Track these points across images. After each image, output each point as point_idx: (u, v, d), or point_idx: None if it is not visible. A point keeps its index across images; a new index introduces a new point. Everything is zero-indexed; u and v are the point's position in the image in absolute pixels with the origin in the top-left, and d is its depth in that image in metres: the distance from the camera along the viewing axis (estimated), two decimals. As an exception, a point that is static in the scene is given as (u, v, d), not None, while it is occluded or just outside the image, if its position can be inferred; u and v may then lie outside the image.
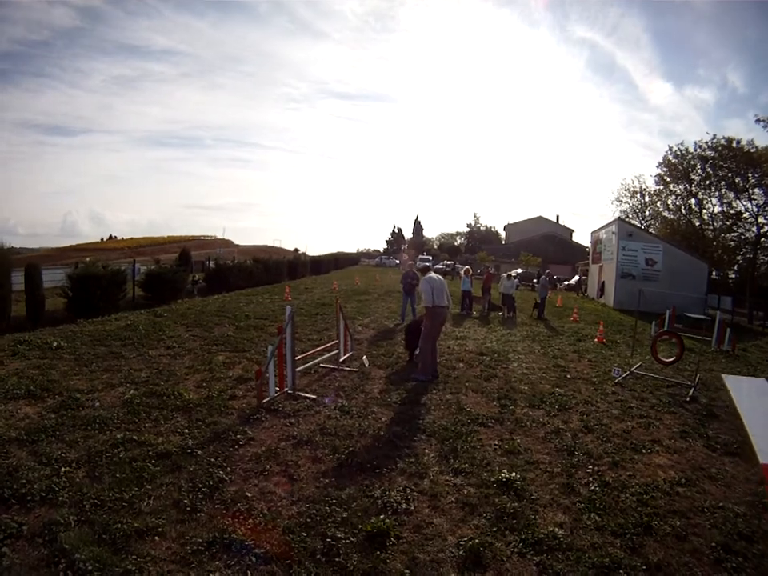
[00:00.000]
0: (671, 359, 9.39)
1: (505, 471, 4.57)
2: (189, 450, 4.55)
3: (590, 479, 4.61)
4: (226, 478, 4.14)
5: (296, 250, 75.09)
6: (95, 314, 11.65)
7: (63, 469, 4.09)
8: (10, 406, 5.47)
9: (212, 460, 4.42)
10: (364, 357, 8.39)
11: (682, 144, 44.61)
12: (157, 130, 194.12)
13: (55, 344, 8.32)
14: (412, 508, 3.90)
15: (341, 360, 8.11)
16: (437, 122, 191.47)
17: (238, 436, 4.97)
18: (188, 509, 3.66)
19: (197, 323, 11.26)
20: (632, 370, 9.11)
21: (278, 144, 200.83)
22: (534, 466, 4.83)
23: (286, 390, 6.41)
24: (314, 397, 6.35)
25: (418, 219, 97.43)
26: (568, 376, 8.60)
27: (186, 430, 5.03)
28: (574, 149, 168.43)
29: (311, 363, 7.60)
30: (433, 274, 7.90)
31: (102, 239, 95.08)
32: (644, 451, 5.39)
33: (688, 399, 7.65)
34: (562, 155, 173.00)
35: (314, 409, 5.97)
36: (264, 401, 5.93)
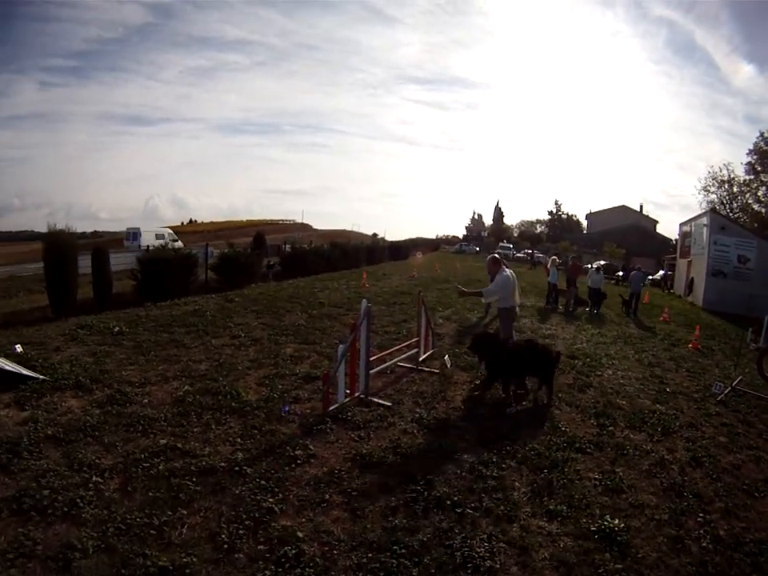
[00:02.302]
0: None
1: (607, 517, 3.66)
2: (237, 467, 3.83)
3: (701, 531, 3.71)
4: (276, 509, 3.37)
5: (374, 235, 74.42)
6: (164, 297, 11.37)
7: (95, 478, 3.57)
8: (55, 397, 5.04)
9: (262, 482, 3.66)
10: (446, 356, 7.40)
11: (774, 129, 40.09)
12: (235, 117, 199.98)
13: (117, 329, 7.94)
14: (497, 566, 3.03)
15: (420, 359, 7.10)
16: (517, 107, 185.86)
17: (297, 451, 4.17)
18: (225, 546, 3.00)
19: (268, 310, 10.63)
20: (733, 385, 7.68)
21: (356, 129, 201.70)
22: (639, 510, 3.89)
23: (357, 394, 5.52)
24: (389, 404, 5.45)
25: (499, 205, 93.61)
26: (668, 389, 7.34)
27: (239, 440, 4.31)
28: (654, 135, 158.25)
29: (388, 364, 6.71)
30: (507, 270, 6.80)
31: (182, 223, 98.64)
32: (757, 494, 4.37)
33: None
34: (643, 142, 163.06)
35: (388, 419, 5.08)
36: (331, 408, 5.08)
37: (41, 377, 5.71)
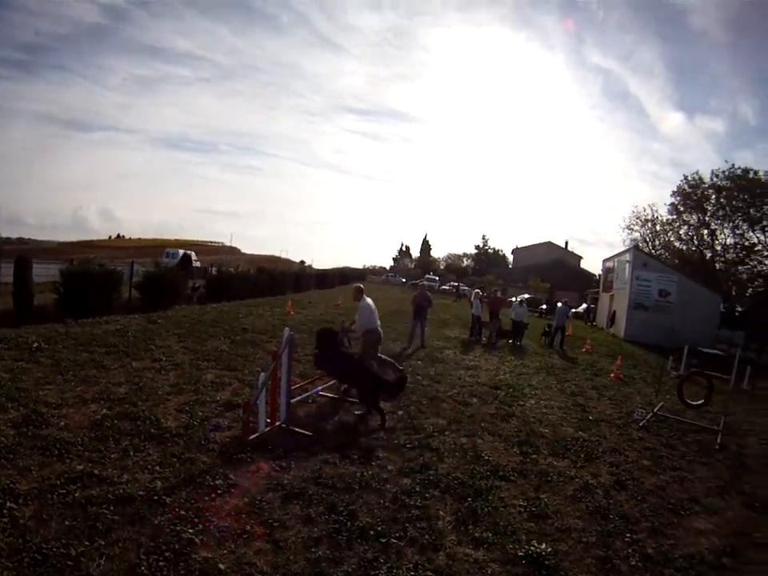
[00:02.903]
0: (699, 402, 8.75)
1: (534, 542, 3.88)
2: (156, 496, 3.83)
3: (630, 550, 4.00)
4: (197, 540, 3.39)
5: (302, 262, 74.98)
6: (86, 314, 11.03)
7: (9, 504, 3.48)
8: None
9: (182, 512, 3.68)
10: None
11: (697, 173, 43.80)
12: (174, 132, 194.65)
13: (35, 345, 7.71)
14: (426, 596, 3.17)
15: (342, 389, 7.27)
16: (451, 141, 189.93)
17: (218, 481, 4.22)
18: (145, 579, 2.96)
19: (190, 333, 10.53)
20: (655, 411, 8.44)
21: (292, 154, 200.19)
22: (565, 534, 4.15)
23: (278, 423, 5.64)
24: (310, 434, 5.56)
25: (427, 238, 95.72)
26: (590, 417, 7.93)
27: (157, 467, 4.30)
28: (585, 176, 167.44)
29: (309, 393, 6.90)
30: (367, 299, 8.03)
31: (109, 237, 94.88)
32: (683, 513, 4.84)
33: (717, 447, 7.13)
34: (573, 182, 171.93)
35: (310, 449, 5.20)
36: (252, 437, 5.17)
37: None
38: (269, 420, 5.50)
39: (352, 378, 6.65)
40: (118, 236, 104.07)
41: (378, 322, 8.13)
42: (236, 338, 10.66)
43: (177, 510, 3.72)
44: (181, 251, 38.26)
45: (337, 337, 7.07)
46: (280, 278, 25.57)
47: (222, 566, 3.18)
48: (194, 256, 36.43)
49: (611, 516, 4.55)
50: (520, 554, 3.72)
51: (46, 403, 5.43)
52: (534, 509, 4.49)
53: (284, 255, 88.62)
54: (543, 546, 3.83)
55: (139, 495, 3.81)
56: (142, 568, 3.06)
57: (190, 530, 3.49)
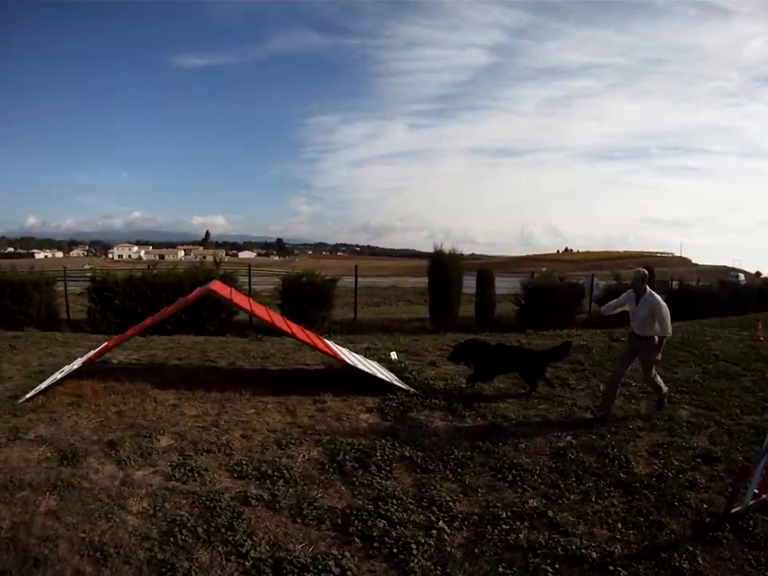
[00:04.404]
0: None
1: None
2: (611, 565, 3.02)
3: None
4: None
5: (757, 274, 64.36)
6: (546, 327, 11.22)
7: (440, 523, 3.36)
8: (422, 415, 5.26)
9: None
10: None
11: None
12: (598, 143, 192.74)
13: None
14: None
15: None
16: None
17: (684, 563, 3.07)
18: None
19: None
20: None
21: (725, 147, 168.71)
22: None
23: (765, 497, 3.89)
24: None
25: None
26: None
27: (619, 524, 3.49)
28: None
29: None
30: None
31: (557, 251, 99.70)
32: None
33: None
34: None
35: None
36: (734, 510, 3.69)
37: (411, 390, 5.98)
38: (756, 491, 3.96)
39: None
40: (566, 250, 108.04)
41: None
42: (707, 366, 8.85)
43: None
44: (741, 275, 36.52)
45: None
46: (745, 293, 21.94)
47: None
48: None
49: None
50: None
51: (505, 417, 5.38)
52: None
53: (737, 265, 77.26)
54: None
55: (591, 558, 3.08)
56: None
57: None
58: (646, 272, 5.73)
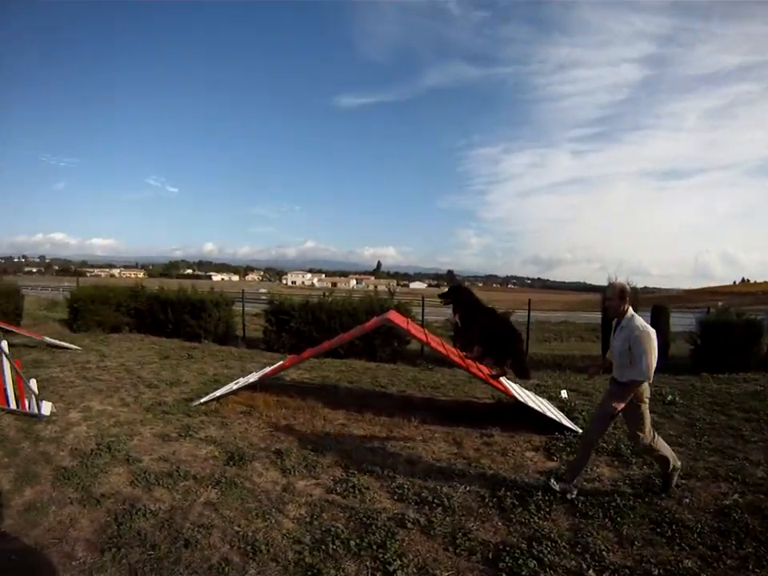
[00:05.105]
0: None
1: None
2: None
3: None
4: None
5: None
6: (722, 369, 10.06)
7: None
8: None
9: None
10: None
11: None
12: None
13: (669, 398, 7.42)
14: None
15: None
16: None
17: None
18: None
19: None
20: None
21: None
22: None
23: None
24: None
25: None
26: None
27: None
28: None
29: None
30: None
31: (734, 282, 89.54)
32: None
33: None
34: None
35: None
36: None
37: (579, 430, 5.69)
38: None
39: None
40: (743, 280, 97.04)
41: None
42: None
43: None
44: None
45: None
46: None
47: None
48: None
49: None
50: None
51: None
52: None
53: None
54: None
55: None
56: None
57: None
58: (626, 286, 4.13)
